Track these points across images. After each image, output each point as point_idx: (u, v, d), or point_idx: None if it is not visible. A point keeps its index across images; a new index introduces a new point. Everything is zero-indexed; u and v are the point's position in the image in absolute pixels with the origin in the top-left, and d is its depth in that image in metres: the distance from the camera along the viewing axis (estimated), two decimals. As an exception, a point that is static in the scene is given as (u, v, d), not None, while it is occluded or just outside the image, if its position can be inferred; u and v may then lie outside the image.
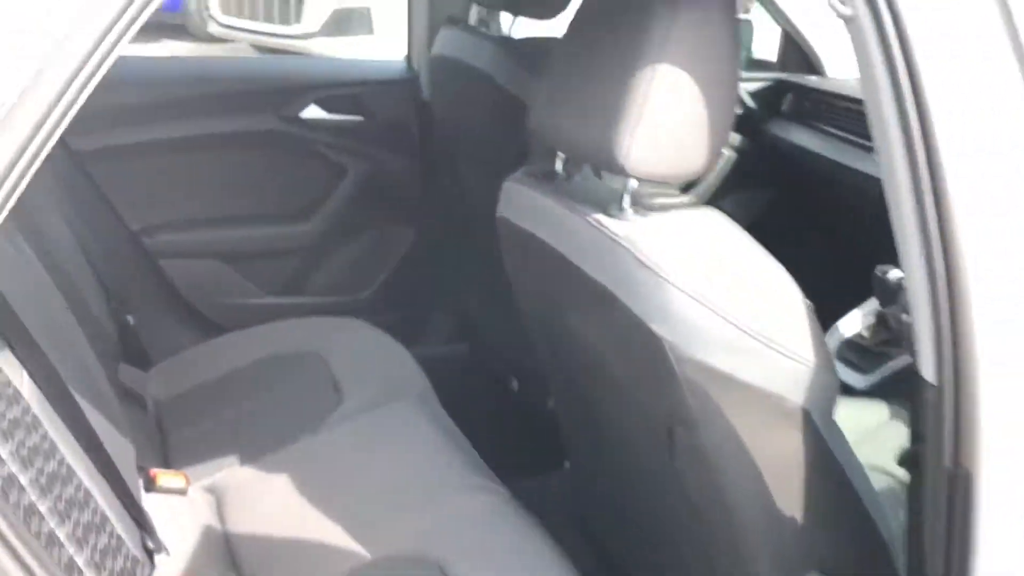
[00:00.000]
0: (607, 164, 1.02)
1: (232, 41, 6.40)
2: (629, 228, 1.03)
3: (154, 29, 7.01)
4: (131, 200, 2.10)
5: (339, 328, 2.00)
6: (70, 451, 1.11)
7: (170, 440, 1.73)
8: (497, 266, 1.43)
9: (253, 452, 1.57)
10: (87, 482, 1.10)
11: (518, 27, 1.91)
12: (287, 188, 2.22)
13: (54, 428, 1.14)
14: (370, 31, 5.84)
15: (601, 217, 1.06)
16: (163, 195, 2.14)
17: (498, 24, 2.06)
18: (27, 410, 1.10)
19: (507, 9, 1.85)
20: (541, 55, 1.64)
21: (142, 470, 1.43)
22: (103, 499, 1.12)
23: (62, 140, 1.82)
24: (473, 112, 1.95)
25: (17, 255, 1.37)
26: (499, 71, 1.77)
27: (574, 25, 1.13)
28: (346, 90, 2.21)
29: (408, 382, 1.79)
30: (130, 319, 1.99)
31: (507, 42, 1.87)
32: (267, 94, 2.14)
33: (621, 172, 1.01)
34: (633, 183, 1.03)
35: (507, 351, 2.15)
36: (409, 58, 2.30)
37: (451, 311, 2.42)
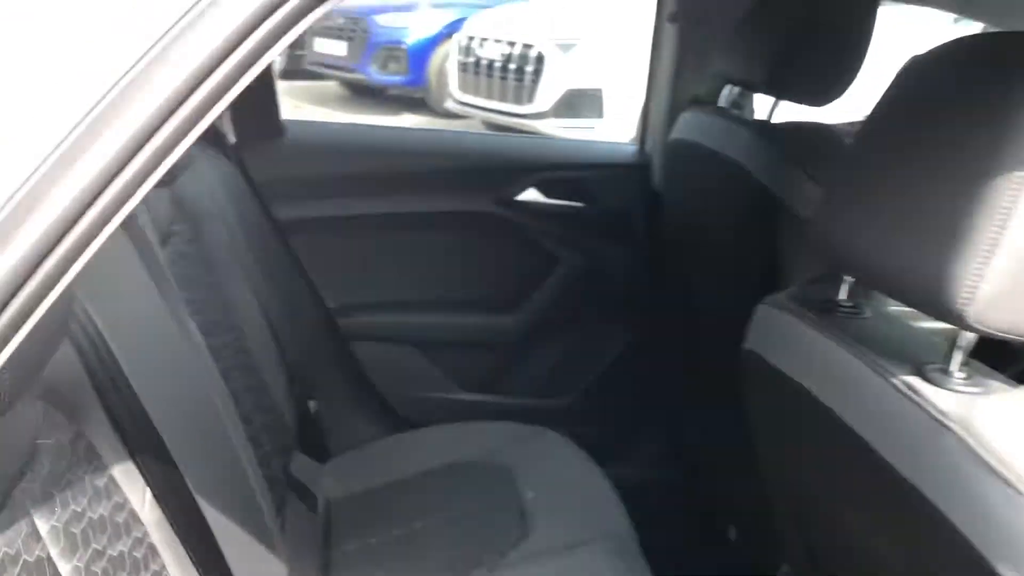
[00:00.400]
0: (932, 305, 0.70)
1: (467, 118, 6.49)
2: (962, 405, 0.69)
3: (396, 102, 7.33)
4: (328, 276, 1.97)
5: (533, 439, 1.77)
6: None
7: (333, 553, 1.54)
8: (727, 393, 1.12)
9: None
10: None
11: (778, 112, 1.60)
12: (493, 276, 2.01)
13: (175, 559, 0.94)
14: (600, 114, 5.71)
15: (913, 380, 0.73)
16: (362, 274, 1.99)
17: (751, 108, 1.77)
18: (141, 540, 0.90)
19: (770, 92, 1.54)
20: (809, 145, 1.32)
21: None
22: None
23: (263, 207, 1.66)
24: (715, 207, 1.66)
25: (179, 338, 1.21)
26: (753, 161, 1.47)
27: (884, 111, 0.82)
28: (569, 173, 1.98)
29: (605, 520, 1.54)
30: (312, 405, 1.83)
31: (765, 128, 1.56)
32: (485, 173, 1.96)
33: (955, 320, 0.68)
34: (970, 337, 0.70)
35: (727, 490, 1.81)
36: (641, 142, 2.05)
37: (662, 431, 2.10)
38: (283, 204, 1.90)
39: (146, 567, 0.89)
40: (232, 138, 1.88)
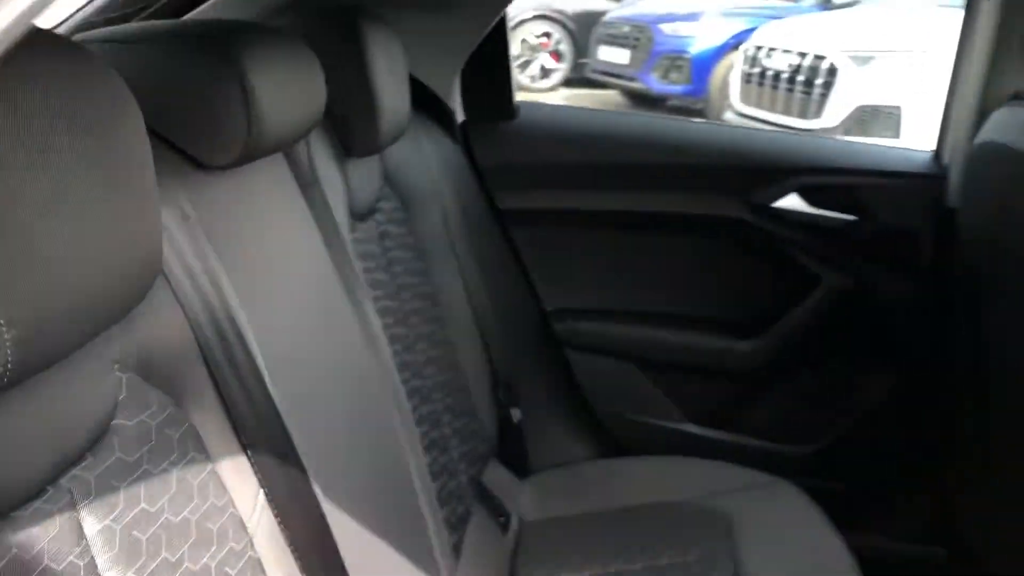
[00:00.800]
0: None
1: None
2: None
3: (674, 111, 7.09)
4: (549, 276, 1.78)
5: (764, 489, 1.50)
6: None
7: None
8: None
9: None
10: None
11: None
12: (737, 292, 1.73)
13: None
14: (896, 134, 5.14)
15: None
16: (587, 276, 1.78)
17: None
18: (241, 553, 0.75)
19: None
20: None
21: None
22: None
23: (487, 194, 1.50)
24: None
25: (343, 321, 1.08)
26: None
27: None
28: (840, 179, 1.66)
29: None
30: (515, 414, 1.66)
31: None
32: (739, 172, 1.68)
33: None
34: None
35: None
36: (938, 148, 1.68)
37: (927, 499, 1.72)
38: (507, 192, 1.74)
39: None
40: (460, 117, 1.75)
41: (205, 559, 0.73)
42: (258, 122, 0.86)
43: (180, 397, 0.76)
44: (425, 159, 1.55)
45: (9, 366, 0.52)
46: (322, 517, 0.88)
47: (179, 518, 0.71)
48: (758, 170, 1.67)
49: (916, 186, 1.64)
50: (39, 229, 0.52)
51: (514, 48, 7.90)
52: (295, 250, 1.02)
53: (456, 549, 1.32)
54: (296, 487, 0.85)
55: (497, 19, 1.62)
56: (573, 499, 1.57)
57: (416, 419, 1.31)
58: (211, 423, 0.79)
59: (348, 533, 0.93)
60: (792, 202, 1.66)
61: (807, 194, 1.65)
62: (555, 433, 1.78)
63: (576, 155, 1.72)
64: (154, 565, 0.68)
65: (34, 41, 0.54)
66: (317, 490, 0.88)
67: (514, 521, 1.52)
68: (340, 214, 1.20)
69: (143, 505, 0.68)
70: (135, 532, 0.67)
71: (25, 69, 0.53)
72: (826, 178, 1.65)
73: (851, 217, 1.65)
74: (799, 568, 1.31)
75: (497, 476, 1.58)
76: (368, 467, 1.03)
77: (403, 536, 1.08)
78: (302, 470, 0.86)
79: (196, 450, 0.76)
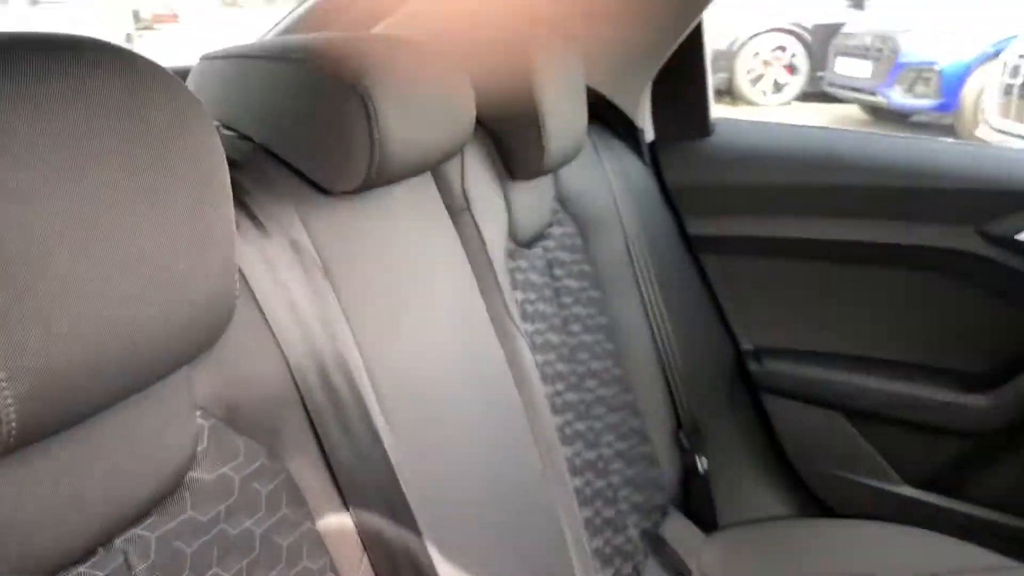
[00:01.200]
0: None
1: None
2: None
3: (920, 128, 6.52)
4: (745, 311, 1.61)
5: (993, 572, 1.25)
6: None
7: None
8: None
9: None
10: None
11: None
12: (968, 337, 1.48)
13: None
14: None
15: None
16: (789, 313, 1.59)
17: None
18: None
19: None
20: None
21: None
22: None
23: (677, 219, 1.37)
24: None
25: (483, 358, 0.99)
26: None
27: None
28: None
29: None
30: (702, 462, 1.51)
31: None
32: (970, 198, 1.44)
33: None
34: None
35: None
36: None
37: None
38: (700, 218, 1.60)
39: None
40: (650, 135, 1.63)
41: None
42: (384, 144, 0.79)
43: (274, 447, 0.69)
44: (607, 180, 1.44)
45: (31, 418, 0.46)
46: None
47: None
48: (994, 195, 1.42)
49: None
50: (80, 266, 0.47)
51: (746, 63, 7.62)
52: (432, 282, 0.94)
53: None
54: (408, 551, 0.77)
55: (693, 26, 1.48)
56: (766, 559, 1.40)
57: (577, 466, 1.20)
58: (310, 477, 0.72)
59: None
60: (1039, 234, 1.39)
61: (1060, 224, 1.39)
62: (747, 487, 1.61)
63: (778, 176, 1.54)
64: None
65: (85, 50, 0.49)
66: (432, 553, 0.79)
67: None
68: (497, 242, 1.11)
69: (215, 569, 0.62)
70: None
71: (74, 83, 0.47)
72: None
73: (1120, 253, 1.36)
74: None
75: (678, 528, 1.43)
76: (498, 526, 0.93)
77: None
78: (416, 532, 0.77)
79: (290, 506, 0.69)
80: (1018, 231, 1.40)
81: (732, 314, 1.61)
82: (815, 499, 1.59)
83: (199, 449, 0.62)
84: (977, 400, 1.47)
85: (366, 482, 0.74)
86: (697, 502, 1.51)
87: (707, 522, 1.52)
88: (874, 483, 1.56)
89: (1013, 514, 1.49)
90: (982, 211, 1.42)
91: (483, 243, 1.05)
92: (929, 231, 1.47)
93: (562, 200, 1.36)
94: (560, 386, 1.21)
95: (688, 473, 1.50)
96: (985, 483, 1.50)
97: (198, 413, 0.63)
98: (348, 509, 0.74)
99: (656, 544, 1.36)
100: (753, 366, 1.60)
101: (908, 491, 1.54)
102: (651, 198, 1.55)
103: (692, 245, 1.60)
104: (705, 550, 1.44)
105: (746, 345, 1.62)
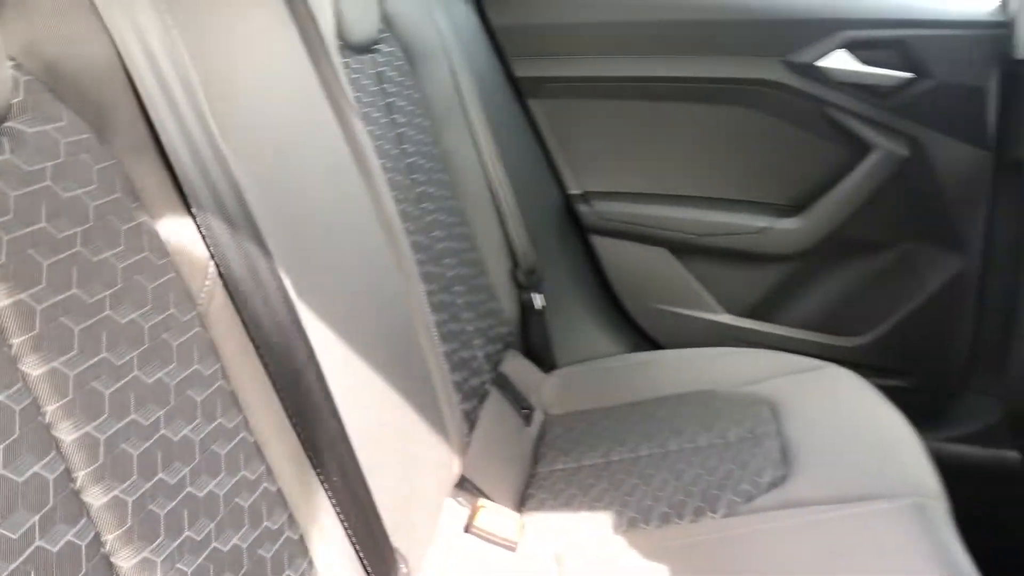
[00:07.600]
0: None
1: None
2: None
3: None
4: (571, 153, 1.63)
5: (812, 373, 1.34)
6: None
7: (539, 470, 1.25)
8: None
9: (634, 519, 1.09)
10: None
11: None
12: (777, 166, 1.57)
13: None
14: None
15: None
16: (612, 153, 1.63)
17: None
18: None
19: None
20: None
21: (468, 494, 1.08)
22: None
23: (502, 59, 1.35)
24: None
25: (342, 144, 0.95)
26: None
27: None
28: (891, 32, 1.48)
29: (905, 475, 1.09)
30: (538, 300, 1.52)
31: None
32: (774, 28, 1.51)
33: None
34: None
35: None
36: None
37: (995, 395, 1.55)
38: (524, 59, 1.60)
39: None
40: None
41: (134, 316, 0.60)
42: None
43: (104, 132, 0.63)
44: (430, 11, 1.41)
45: None
46: (321, 380, 0.75)
47: (97, 259, 0.58)
48: (798, 24, 1.50)
49: (979, 37, 1.46)
50: None
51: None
52: (275, 57, 0.89)
53: (469, 417, 1.18)
54: (256, 271, 0.71)
55: None
56: (602, 393, 1.43)
57: (422, 276, 1.17)
58: (146, 175, 0.65)
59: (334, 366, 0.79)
60: (838, 60, 1.49)
61: (855, 50, 1.48)
62: (581, 326, 1.64)
63: (597, 14, 1.56)
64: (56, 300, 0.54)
65: None
66: (284, 277, 0.74)
67: (537, 414, 1.39)
68: (328, 36, 1.06)
69: (44, 224, 0.55)
70: (30, 251, 0.53)
71: None
72: (876, 31, 1.48)
73: (905, 75, 1.48)
74: (855, 445, 1.16)
75: (519, 368, 1.44)
76: (365, 311, 0.91)
77: (409, 395, 0.95)
78: (266, 252, 0.72)
79: (125, 192, 0.62)
80: (818, 58, 1.50)
81: (559, 157, 1.63)
82: (645, 334, 1.65)
83: (15, 101, 0.55)
84: (786, 224, 1.56)
85: (210, 192, 0.68)
86: (536, 342, 1.53)
87: (546, 363, 1.54)
88: (699, 314, 1.63)
89: (820, 331, 1.61)
90: (786, 41, 1.50)
91: (319, 32, 1.00)
92: (738, 63, 1.53)
93: (387, 19, 1.31)
94: (398, 194, 1.18)
95: (526, 311, 1.51)
96: (797, 304, 1.60)
97: (10, 63, 0.55)
98: (193, 218, 0.67)
99: (501, 380, 1.36)
100: (583, 208, 1.63)
101: (729, 318, 1.63)
102: (475, 36, 1.54)
103: (519, 89, 1.60)
104: (545, 388, 1.46)
105: (574, 189, 1.64)
